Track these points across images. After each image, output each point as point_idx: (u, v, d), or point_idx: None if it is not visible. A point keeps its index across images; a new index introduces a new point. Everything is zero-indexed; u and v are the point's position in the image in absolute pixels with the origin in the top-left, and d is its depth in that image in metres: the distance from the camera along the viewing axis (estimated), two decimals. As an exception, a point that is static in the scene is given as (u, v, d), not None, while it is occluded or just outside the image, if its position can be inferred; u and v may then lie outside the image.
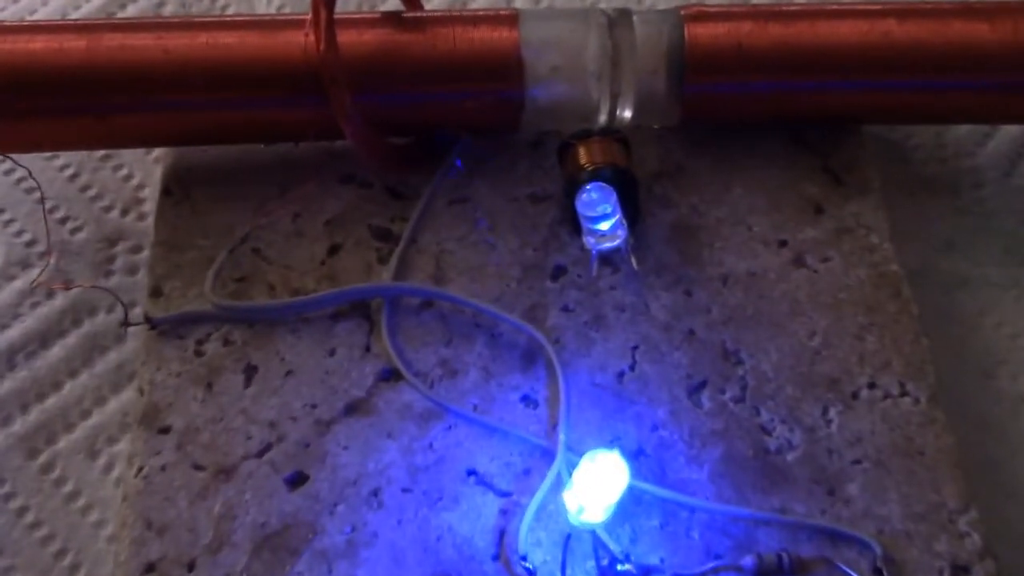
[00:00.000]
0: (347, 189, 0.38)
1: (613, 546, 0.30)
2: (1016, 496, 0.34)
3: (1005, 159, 0.41)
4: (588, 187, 0.31)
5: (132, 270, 0.39)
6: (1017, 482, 0.34)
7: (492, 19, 0.36)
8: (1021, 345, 0.37)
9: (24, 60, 0.34)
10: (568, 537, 0.29)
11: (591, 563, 0.30)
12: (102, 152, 0.41)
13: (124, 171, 0.41)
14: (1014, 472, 0.34)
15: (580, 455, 0.30)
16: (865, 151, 0.38)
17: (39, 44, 0.35)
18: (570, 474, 0.30)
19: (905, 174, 0.40)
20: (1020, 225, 0.39)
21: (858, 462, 0.32)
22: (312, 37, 0.34)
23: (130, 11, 0.45)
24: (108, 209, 0.40)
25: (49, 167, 0.41)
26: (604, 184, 0.31)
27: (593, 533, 0.29)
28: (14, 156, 0.37)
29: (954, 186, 0.40)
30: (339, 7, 0.34)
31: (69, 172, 0.41)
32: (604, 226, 0.31)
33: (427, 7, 0.38)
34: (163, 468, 0.32)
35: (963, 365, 0.36)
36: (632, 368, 0.34)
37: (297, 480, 0.32)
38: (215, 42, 0.35)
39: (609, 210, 0.31)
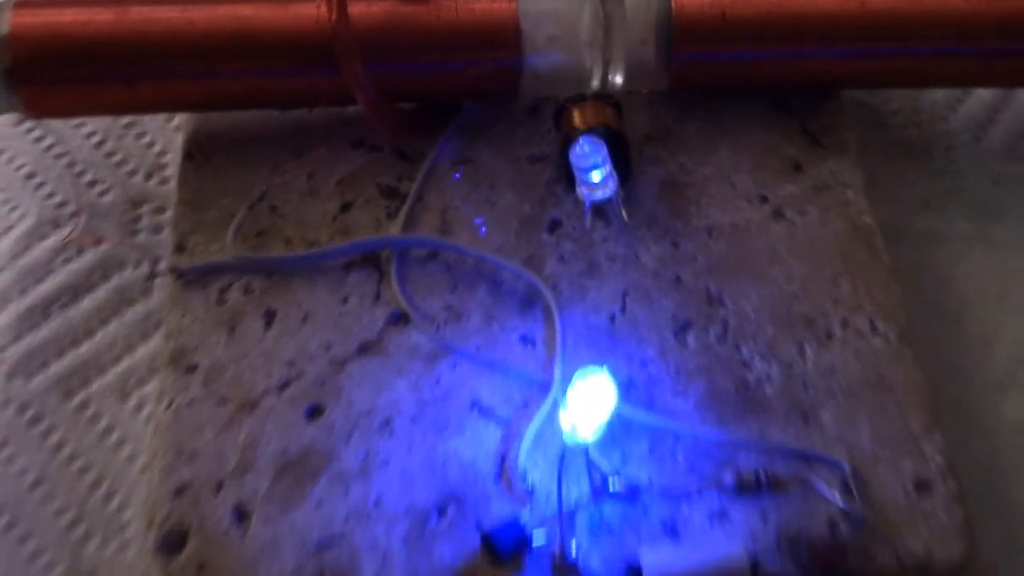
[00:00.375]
0: (357, 152, 0.40)
1: (604, 466, 0.33)
2: (979, 429, 0.37)
3: (976, 123, 0.44)
4: (581, 140, 0.34)
5: (156, 230, 0.41)
6: (980, 415, 0.37)
7: (492, -9, 0.38)
8: (988, 293, 0.39)
9: (55, 32, 0.37)
10: (563, 455, 0.31)
11: (584, 481, 0.32)
12: (126, 120, 0.44)
13: (147, 138, 0.44)
14: (978, 407, 0.37)
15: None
16: (843, 115, 0.41)
17: (68, 17, 0.37)
18: (564, 404, 0.32)
19: (883, 138, 0.43)
20: (990, 185, 0.42)
21: (831, 393, 0.35)
22: (325, 9, 0.37)
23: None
24: (132, 173, 0.43)
25: (77, 135, 0.43)
26: (595, 138, 0.34)
27: (585, 453, 0.32)
28: (46, 122, 0.40)
29: (928, 149, 0.43)
30: (351, -20, 0.37)
31: (96, 139, 0.43)
32: (595, 177, 0.34)
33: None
34: (190, 403, 0.35)
35: (934, 312, 0.39)
36: (623, 311, 0.36)
37: (314, 412, 0.35)
38: (235, 14, 0.37)
39: (600, 161, 0.34)
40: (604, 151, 0.34)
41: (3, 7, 0.37)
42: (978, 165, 0.42)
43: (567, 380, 0.33)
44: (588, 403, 0.30)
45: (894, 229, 0.40)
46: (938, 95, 0.44)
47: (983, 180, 0.42)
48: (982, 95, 0.44)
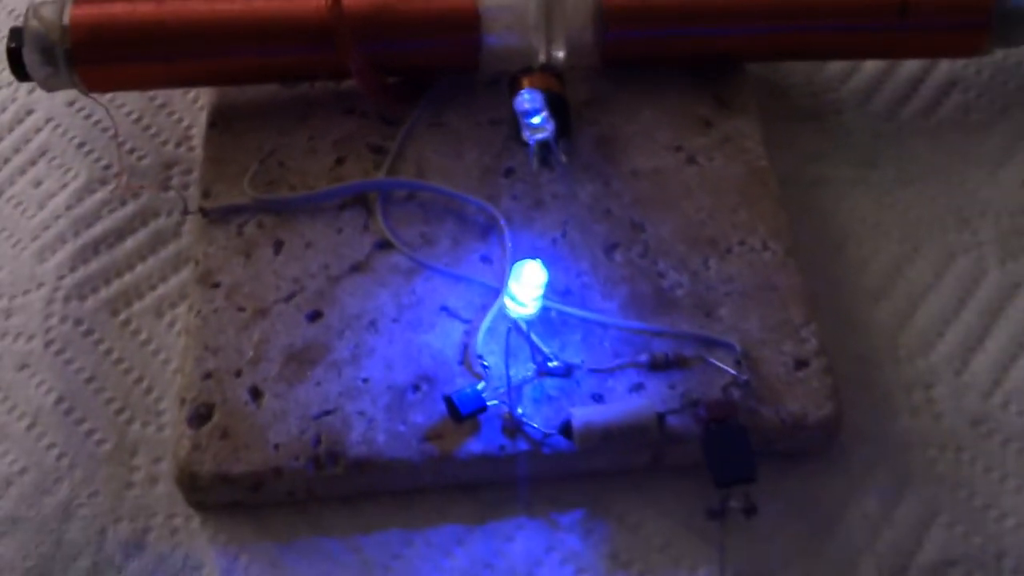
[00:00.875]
0: (350, 118, 0.49)
1: (546, 349, 0.41)
2: (857, 327, 0.45)
3: (862, 92, 0.53)
4: (522, 91, 0.43)
5: (185, 186, 0.50)
6: (858, 316, 0.45)
7: (457, -16, 0.48)
8: (865, 223, 0.48)
9: (107, 21, 0.46)
10: (508, 330, 0.40)
11: (529, 361, 0.41)
12: (160, 101, 0.53)
13: (176, 115, 0.53)
14: (856, 310, 0.46)
15: (522, 290, 0.41)
16: (747, 84, 0.50)
17: (117, 8, 0.47)
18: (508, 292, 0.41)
19: (783, 104, 0.52)
20: (870, 139, 0.51)
21: (728, 294, 0.43)
22: (323, -2, 0.46)
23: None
24: (165, 143, 0.52)
25: (119, 112, 0.52)
26: (534, 89, 0.43)
27: (528, 336, 0.40)
28: (95, 97, 0.49)
29: (821, 113, 0.52)
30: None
31: (135, 116, 0.52)
32: (536, 120, 0.43)
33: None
34: (215, 311, 0.44)
35: (822, 239, 0.48)
36: (563, 236, 0.45)
37: (315, 316, 0.43)
38: (250, 4, 0.47)
39: (538, 107, 0.43)
40: (541, 98, 0.43)
41: (65, 2, 0.46)
42: (862, 124, 0.51)
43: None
44: (524, 284, 0.38)
45: (790, 175, 0.49)
46: (832, 69, 0.53)
47: (865, 135, 0.51)
48: (869, 70, 0.53)
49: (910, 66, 0.53)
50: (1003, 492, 0.41)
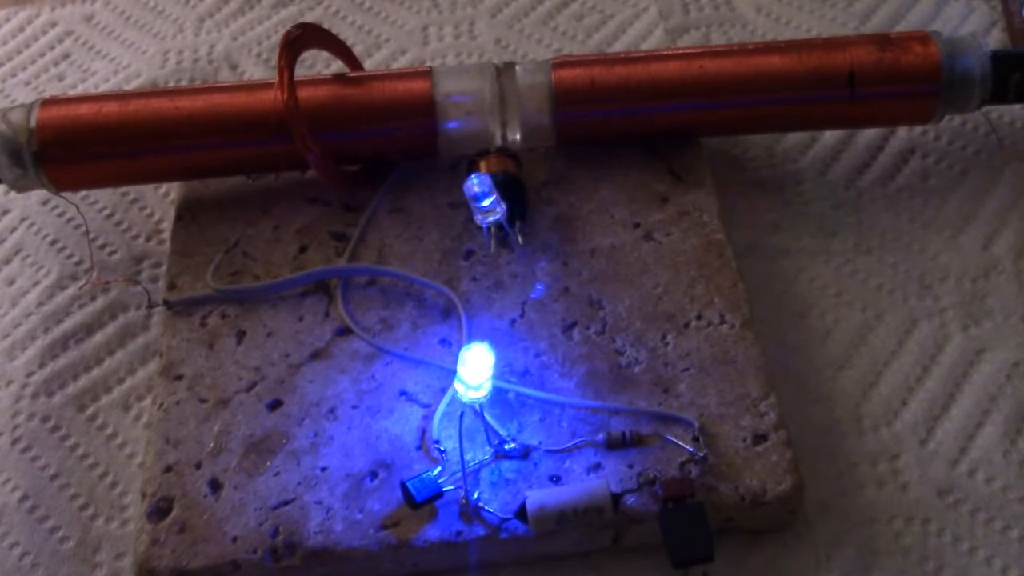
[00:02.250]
0: (313, 206, 0.50)
1: (502, 431, 0.41)
2: (819, 399, 0.45)
3: (821, 162, 0.53)
4: (470, 176, 0.44)
5: (154, 279, 0.51)
6: (820, 388, 0.45)
7: (411, 74, 0.49)
8: (827, 294, 0.48)
9: (73, 122, 0.48)
10: (461, 415, 0.40)
11: (486, 444, 0.41)
12: (132, 196, 0.54)
13: (148, 210, 0.54)
14: (818, 382, 0.45)
15: (478, 372, 0.42)
16: (700, 157, 0.50)
17: (83, 109, 0.48)
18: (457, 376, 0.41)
19: (741, 177, 0.53)
20: (830, 209, 0.51)
21: (687, 369, 0.43)
22: (279, 93, 0.47)
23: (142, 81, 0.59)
24: (136, 237, 0.53)
25: (91, 208, 0.53)
26: (482, 173, 0.44)
27: (482, 416, 0.40)
28: (65, 195, 0.50)
29: (781, 184, 0.52)
30: (302, 72, 0.48)
31: (107, 212, 0.54)
32: (486, 203, 0.43)
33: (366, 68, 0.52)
34: (177, 403, 0.44)
35: (783, 310, 0.48)
36: (522, 316, 0.45)
37: (275, 405, 0.43)
38: (211, 100, 0.48)
39: (486, 191, 0.43)
40: (489, 181, 0.43)
41: (32, 105, 0.48)
42: (822, 194, 0.52)
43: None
44: (472, 368, 0.38)
45: (749, 246, 0.49)
46: (792, 140, 0.54)
47: (825, 205, 0.51)
48: (828, 139, 0.54)
49: (868, 135, 0.54)
50: (972, 564, 0.40)
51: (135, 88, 0.59)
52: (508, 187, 0.46)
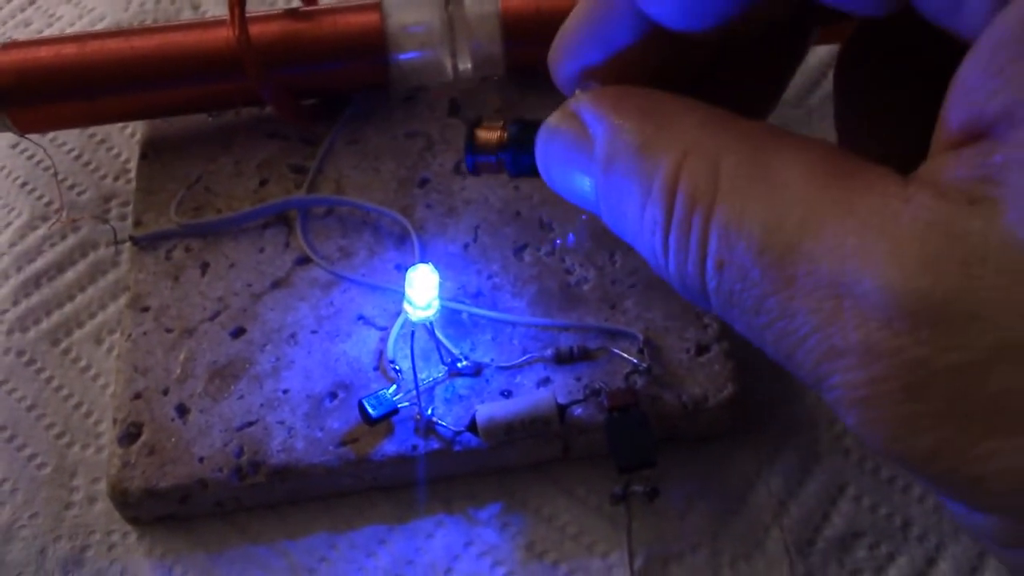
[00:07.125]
0: (272, 141, 0.51)
1: (455, 350, 0.43)
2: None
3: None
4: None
5: (123, 218, 0.52)
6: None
7: (362, 7, 0.49)
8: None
9: (32, 64, 0.49)
10: (412, 334, 0.41)
11: (440, 364, 0.42)
12: (98, 137, 0.55)
13: (115, 150, 0.55)
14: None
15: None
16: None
17: (41, 52, 0.49)
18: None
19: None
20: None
21: (633, 286, 0.44)
22: (232, 30, 0.48)
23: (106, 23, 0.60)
24: (103, 177, 0.54)
25: (59, 150, 0.55)
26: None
27: (434, 336, 0.42)
28: (32, 137, 0.51)
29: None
30: (255, 7, 0.48)
31: (75, 153, 0.55)
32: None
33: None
34: (144, 333, 0.45)
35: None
36: (475, 240, 0.47)
37: (238, 333, 0.45)
38: (166, 40, 0.49)
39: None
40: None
41: (-8, 50, 0.49)
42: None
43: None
44: (418, 288, 0.40)
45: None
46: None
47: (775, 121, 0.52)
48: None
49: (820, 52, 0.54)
50: (907, 462, 0.42)
51: (93, 30, 0.59)
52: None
